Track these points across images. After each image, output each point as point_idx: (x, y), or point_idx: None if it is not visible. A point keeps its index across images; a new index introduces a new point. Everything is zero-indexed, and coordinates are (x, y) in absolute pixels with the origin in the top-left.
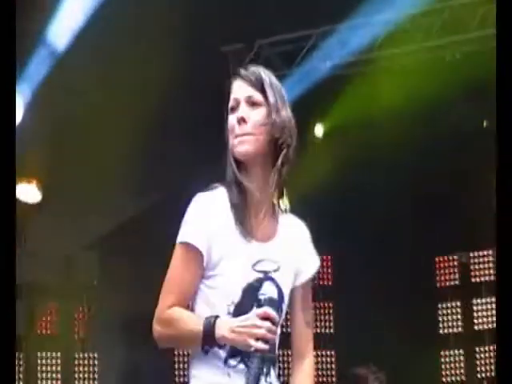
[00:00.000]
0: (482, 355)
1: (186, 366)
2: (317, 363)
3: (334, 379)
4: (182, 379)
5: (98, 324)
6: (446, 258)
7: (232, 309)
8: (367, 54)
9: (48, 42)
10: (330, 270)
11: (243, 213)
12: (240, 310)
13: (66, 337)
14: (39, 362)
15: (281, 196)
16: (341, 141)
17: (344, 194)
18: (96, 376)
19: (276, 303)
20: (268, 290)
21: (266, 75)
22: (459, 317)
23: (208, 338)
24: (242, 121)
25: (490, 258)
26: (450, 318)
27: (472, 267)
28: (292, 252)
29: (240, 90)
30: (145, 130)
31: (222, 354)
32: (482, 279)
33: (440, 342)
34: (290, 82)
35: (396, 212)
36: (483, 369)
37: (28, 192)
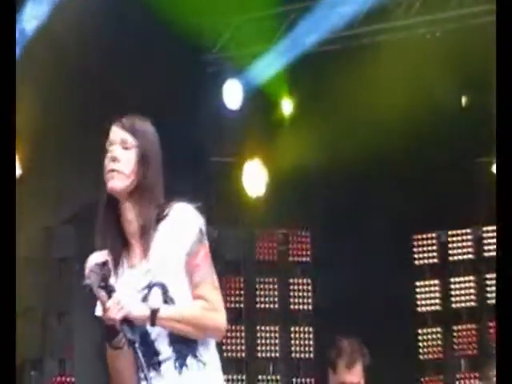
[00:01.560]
0: (460, 333)
1: None
2: (295, 339)
3: (311, 355)
4: None
5: (74, 296)
6: (424, 236)
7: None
8: (347, 30)
9: None
10: (308, 247)
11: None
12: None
13: (43, 309)
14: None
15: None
16: (314, 117)
17: (321, 171)
18: (73, 348)
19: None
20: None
21: (142, 123)
22: (437, 295)
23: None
24: (114, 159)
25: (469, 237)
26: (427, 296)
27: (450, 246)
28: (167, 247)
29: (115, 134)
30: (121, 101)
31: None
32: (461, 258)
33: (418, 320)
34: (269, 59)
35: (375, 188)
36: (460, 346)
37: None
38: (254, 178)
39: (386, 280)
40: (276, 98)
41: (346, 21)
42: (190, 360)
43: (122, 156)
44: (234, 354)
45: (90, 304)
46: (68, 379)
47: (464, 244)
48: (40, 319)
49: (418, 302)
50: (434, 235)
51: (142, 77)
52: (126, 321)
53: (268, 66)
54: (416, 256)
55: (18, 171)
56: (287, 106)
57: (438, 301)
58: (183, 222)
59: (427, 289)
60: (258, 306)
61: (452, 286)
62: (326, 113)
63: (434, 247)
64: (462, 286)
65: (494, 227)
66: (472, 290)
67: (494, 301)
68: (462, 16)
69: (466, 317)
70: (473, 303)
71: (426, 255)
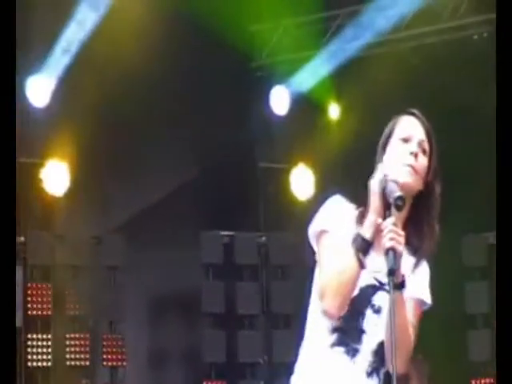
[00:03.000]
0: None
1: (213, 346)
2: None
3: None
4: (209, 359)
5: (124, 305)
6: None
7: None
8: (394, 34)
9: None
10: None
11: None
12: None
13: (94, 317)
14: (68, 342)
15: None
16: (361, 121)
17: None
18: (124, 357)
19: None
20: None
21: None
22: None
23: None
24: (415, 156)
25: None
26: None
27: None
28: (419, 284)
29: (416, 128)
30: (169, 109)
31: (330, 339)
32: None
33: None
34: (317, 63)
35: None
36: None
37: (57, 177)
38: (303, 183)
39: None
40: (323, 103)
41: (392, 24)
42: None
43: (420, 157)
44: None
45: (138, 312)
46: None
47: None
48: (91, 327)
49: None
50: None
51: (191, 83)
52: (393, 252)
53: (315, 71)
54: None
55: (67, 182)
56: (334, 111)
57: None
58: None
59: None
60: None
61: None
62: (371, 117)
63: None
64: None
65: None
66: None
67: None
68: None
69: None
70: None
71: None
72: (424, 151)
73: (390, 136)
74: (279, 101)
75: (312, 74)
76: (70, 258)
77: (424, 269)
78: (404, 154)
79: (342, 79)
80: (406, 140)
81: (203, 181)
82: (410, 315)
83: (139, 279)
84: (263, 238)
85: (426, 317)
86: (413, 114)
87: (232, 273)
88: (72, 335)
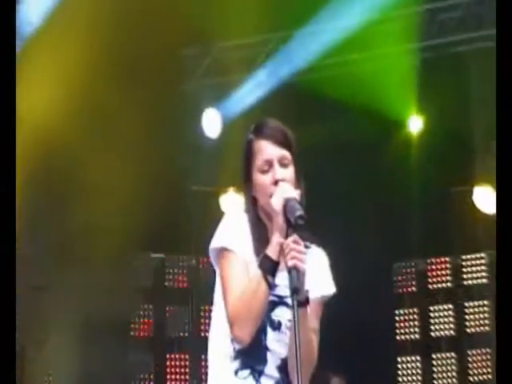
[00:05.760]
0: (439, 362)
1: (141, 369)
2: None
3: None
4: (135, 383)
5: (49, 326)
6: (403, 264)
7: None
8: (326, 59)
9: None
10: None
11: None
12: None
13: (19, 339)
14: None
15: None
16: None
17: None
18: (49, 379)
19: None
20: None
21: (289, 132)
22: (417, 323)
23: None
24: (278, 181)
25: (448, 265)
26: (407, 324)
27: (430, 274)
28: (312, 279)
29: (272, 151)
30: (99, 132)
31: (234, 365)
32: (439, 286)
33: (398, 348)
34: (248, 88)
35: (358, 217)
36: (440, 375)
37: None
38: (234, 206)
39: (367, 308)
40: None
41: (324, 50)
42: None
43: (285, 175)
44: None
45: (68, 334)
46: None
47: (443, 272)
48: (16, 350)
49: (398, 331)
50: (413, 264)
51: (121, 106)
52: (296, 270)
53: (248, 95)
54: (396, 285)
55: None
56: None
57: (417, 329)
58: (329, 270)
59: (406, 317)
60: None
61: (431, 315)
62: (309, 142)
63: (413, 275)
64: (441, 314)
65: (473, 255)
66: (451, 319)
67: (472, 329)
68: (441, 44)
69: (445, 346)
70: (452, 332)
71: (405, 284)
72: (286, 164)
73: (249, 169)
74: (210, 124)
75: (243, 97)
76: None
77: (318, 259)
78: (266, 184)
79: (274, 103)
80: (265, 171)
81: (134, 203)
82: (312, 320)
83: (66, 301)
84: (193, 261)
85: None
86: (268, 136)
87: (162, 296)
88: None
